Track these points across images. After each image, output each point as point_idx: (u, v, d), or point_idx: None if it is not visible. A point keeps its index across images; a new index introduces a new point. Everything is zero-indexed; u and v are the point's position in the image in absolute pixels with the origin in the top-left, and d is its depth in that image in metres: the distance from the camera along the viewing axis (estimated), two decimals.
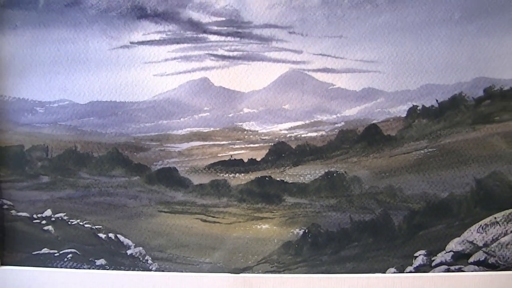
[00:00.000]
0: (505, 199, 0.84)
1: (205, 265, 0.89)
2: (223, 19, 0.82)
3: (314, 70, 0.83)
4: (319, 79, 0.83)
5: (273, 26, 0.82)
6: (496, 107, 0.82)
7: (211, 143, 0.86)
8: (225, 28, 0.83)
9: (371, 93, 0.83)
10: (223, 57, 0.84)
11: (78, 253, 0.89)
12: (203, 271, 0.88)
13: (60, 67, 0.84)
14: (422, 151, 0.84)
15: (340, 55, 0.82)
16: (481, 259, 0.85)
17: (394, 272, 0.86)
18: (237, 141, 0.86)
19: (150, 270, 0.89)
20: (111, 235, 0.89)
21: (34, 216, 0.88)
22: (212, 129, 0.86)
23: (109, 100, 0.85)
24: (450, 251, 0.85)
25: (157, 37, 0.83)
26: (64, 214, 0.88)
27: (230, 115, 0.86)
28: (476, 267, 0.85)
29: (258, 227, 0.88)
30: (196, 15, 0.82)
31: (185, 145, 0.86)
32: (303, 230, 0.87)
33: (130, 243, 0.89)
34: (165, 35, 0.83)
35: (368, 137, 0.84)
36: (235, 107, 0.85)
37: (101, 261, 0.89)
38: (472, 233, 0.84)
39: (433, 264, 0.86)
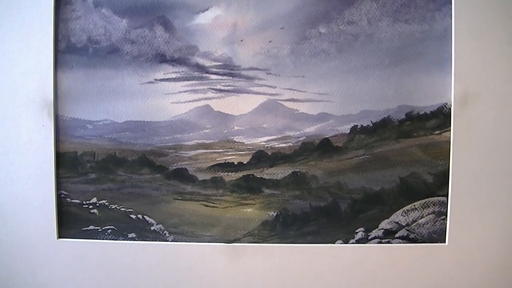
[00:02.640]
0: (421, 192, 0.91)
1: (206, 237, 0.94)
2: (221, 63, 0.90)
3: (284, 100, 0.91)
4: (287, 106, 0.91)
5: (255, 69, 0.90)
6: (414, 126, 0.90)
7: (212, 151, 0.93)
8: (222, 70, 0.90)
9: (324, 116, 0.90)
10: (220, 91, 0.91)
11: (116, 229, 0.95)
12: (205, 242, 0.94)
13: (104, 96, 0.92)
14: (361, 157, 0.91)
15: (303, 90, 0.90)
16: (404, 235, 0.92)
17: (341, 243, 0.93)
18: (230, 150, 0.92)
19: (168, 241, 0.94)
20: (139, 216, 0.94)
21: (84, 202, 0.95)
22: (212, 141, 0.93)
23: (139, 120, 0.92)
24: (382, 228, 0.92)
25: (173, 76, 0.91)
26: (106, 201, 0.95)
27: (225, 131, 0.92)
28: (400, 240, 0.92)
29: (244, 210, 0.94)
30: (201, 61, 0.91)
31: (193, 152, 0.93)
32: (276, 213, 0.93)
33: (153, 221, 0.95)
34: (179, 75, 0.91)
35: (322, 147, 0.91)
36: (228, 126, 0.92)
37: (132, 235, 0.95)
38: (397, 216, 0.92)
39: (369, 238, 0.92)
